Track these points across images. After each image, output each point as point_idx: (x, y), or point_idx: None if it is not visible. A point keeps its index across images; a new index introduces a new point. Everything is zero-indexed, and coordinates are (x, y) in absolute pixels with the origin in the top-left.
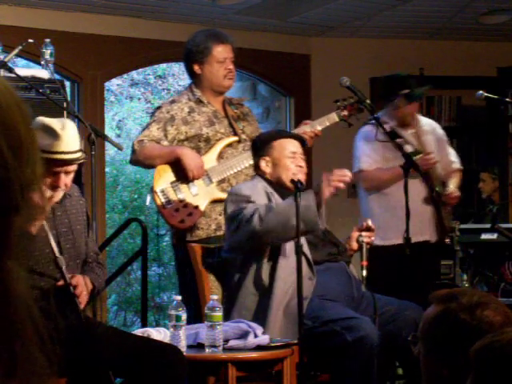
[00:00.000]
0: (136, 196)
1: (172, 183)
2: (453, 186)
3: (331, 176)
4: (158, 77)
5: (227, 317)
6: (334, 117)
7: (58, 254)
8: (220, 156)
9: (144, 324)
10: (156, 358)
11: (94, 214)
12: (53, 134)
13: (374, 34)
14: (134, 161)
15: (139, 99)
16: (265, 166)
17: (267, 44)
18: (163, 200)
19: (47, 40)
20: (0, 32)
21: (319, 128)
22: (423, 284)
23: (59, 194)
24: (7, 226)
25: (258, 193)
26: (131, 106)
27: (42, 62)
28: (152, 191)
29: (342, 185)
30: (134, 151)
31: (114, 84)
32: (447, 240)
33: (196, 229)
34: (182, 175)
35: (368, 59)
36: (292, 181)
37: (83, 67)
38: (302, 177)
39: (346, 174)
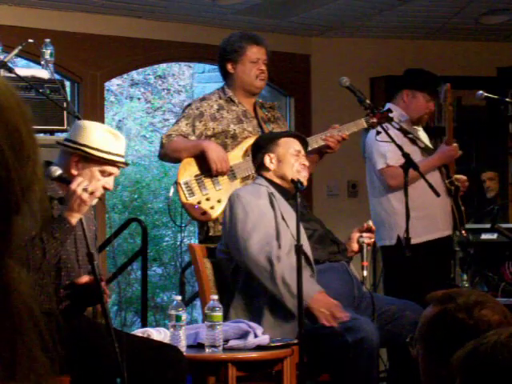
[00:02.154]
0: (136, 196)
1: (196, 176)
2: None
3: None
4: (158, 77)
5: (225, 317)
6: (362, 123)
7: (92, 248)
8: (246, 154)
9: (144, 324)
10: (156, 357)
11: (94, 213)
12: (115, 136)
13: (374, 34)
14: (162, 154)
15: (139, 99)
16: (269, 162)
17: (267, 44)
18: (186, 192)
19: (47, 40)
20: (0, 32)
21: (347, 133)
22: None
23: (100, 192)
24: (8, 225)
25: (261, 196)
26: (131, 105)
27: (42, 62)
28: (176, 183)
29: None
30: (162, 145)
31: (114, 84)
32: (464, 232)
33: (218, 224)
34: (207, 169)
35: (368, 59)
36: (292, 180)
37: (83, 67)
38: (305, 174)
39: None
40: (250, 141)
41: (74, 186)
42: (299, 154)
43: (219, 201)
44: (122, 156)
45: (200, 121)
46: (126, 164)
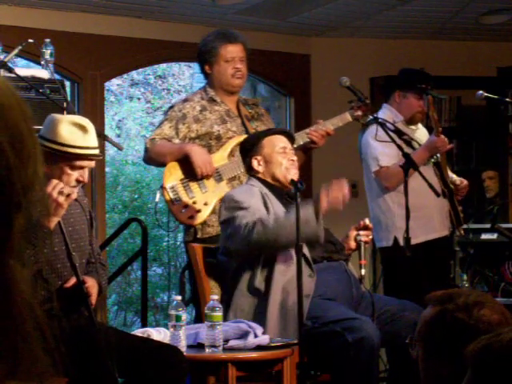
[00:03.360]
0: (136, 196)
1: (182, 180)
2: (451, 174)
3: (330, 187)
4: (158, 77)
5: (224, 318)
6: (347, 117)
7: (72, 251)
8: (231, 154)
9: (144, 324)
10: (156, 357)
11: (94, 214)
12: (83, 129)
13: (374, 34)
14: (147, 159)
15: (139, 99)
16: (257, 165)
17: (267, 44)
18: (172, 196)
19: (47, 40)
20: (0, 32)
21: (332, 127)
22: (438, 283)
23: (75, 193)
24: (9, 225)
25: (254, 196)
26: (131, 106)
27: (42, 62)
28: (162, 188)
29: (340, 197)
30: (146, 149)
31: (114, 84)
32: (462, 231)
33: (206, 226)
34: (192, 172)
35: (368, 59)
36: (292, 181)
37: (83, 67)
38: (295, 171)
39: (344, 186)
40: (235, 141)
41: (49, 189)
42: (285, 151)
43: (206, 204)
44: (93, 147)
45: (183, 123)
46: (98, 155)
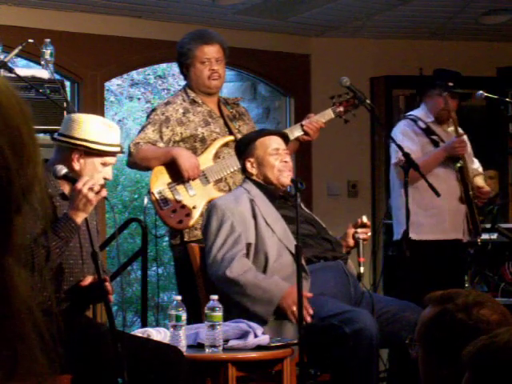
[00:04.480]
0: (136, 196)
1: (169, 184)
2: (481, 181)
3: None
4: (158, 77)
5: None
6: (329, 113)
7: (96, 248)
8: (216, 156)
9: (144, 324)
10: (156, 357)
11: (97, 217)
12: (111, 127)
13: (374, 34)
14: (131, 163)
15: (139, 99)
16: (250, 167)
17: (267, 44)
18: (160, 201)
19: (47, 40)
20: (0, 32)
21: (322, 120)
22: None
23: (105, 191)
24: (9, 226)
25: (240, 204)
26: (131, 105)
27: (42, 62)
28: (149, 193)
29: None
30: (130, 154)
31: (114, 84)
32: (479, 240)
33: (194, 229)
34: (179, 176)
35: (368, 59)
36: (292, 180)
37: (83, 67)
38: (288, 173)
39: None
40: (219, 142)
41: (79, 185)
42: (278, 152)
43: (195, 207)
44: (119, 145)
45: (167, 126)
46: (123, 152)
